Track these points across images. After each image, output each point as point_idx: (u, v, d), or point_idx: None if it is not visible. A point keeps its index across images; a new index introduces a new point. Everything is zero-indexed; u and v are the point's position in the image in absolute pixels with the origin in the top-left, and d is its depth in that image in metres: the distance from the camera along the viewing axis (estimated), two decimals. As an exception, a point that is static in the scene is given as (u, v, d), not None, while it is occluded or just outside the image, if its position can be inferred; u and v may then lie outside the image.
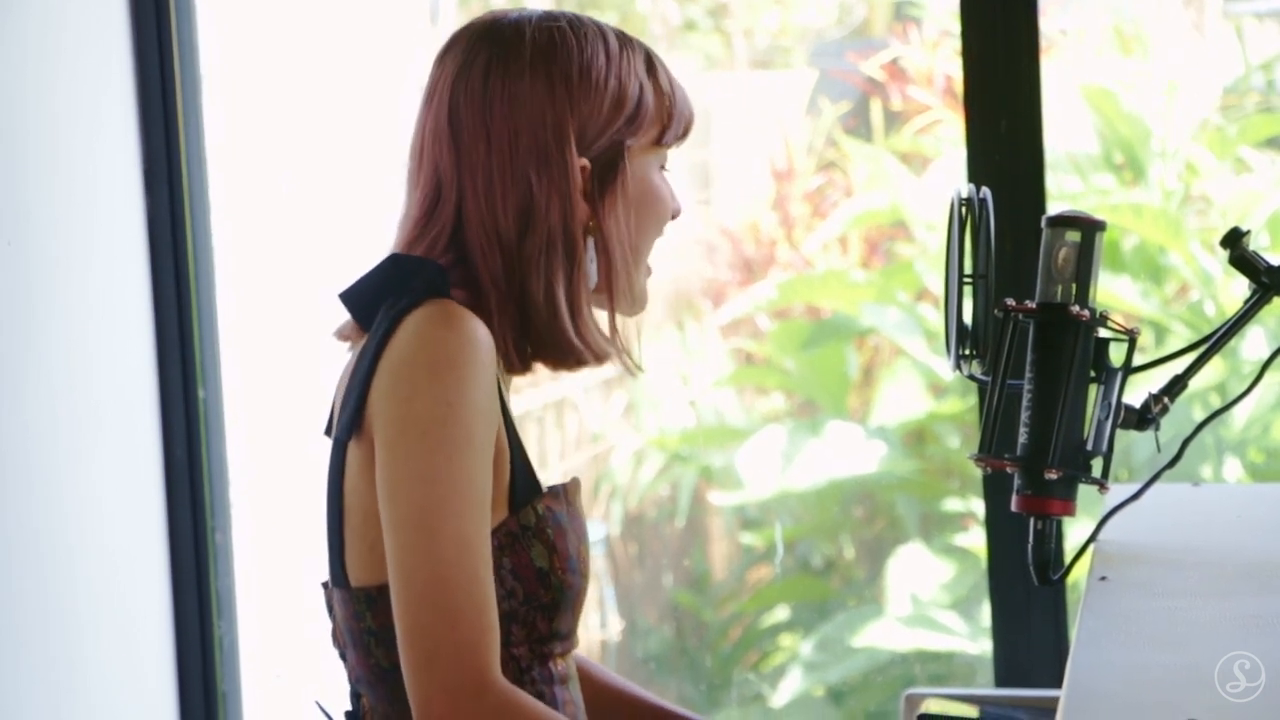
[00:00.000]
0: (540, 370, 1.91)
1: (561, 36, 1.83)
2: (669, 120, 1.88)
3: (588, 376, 4.54)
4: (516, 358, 1.83)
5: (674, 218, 1.91)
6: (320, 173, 3.59)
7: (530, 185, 1.80)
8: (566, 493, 1.84)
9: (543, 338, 1.83)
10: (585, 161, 1.83)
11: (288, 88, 3.55)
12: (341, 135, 3.65)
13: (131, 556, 3.11)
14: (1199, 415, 3.87)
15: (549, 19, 1.84)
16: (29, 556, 2.82)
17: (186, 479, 3.18)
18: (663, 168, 1.90)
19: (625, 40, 1.87)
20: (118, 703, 3.05)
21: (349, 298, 1.84)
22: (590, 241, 1.84)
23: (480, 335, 1.75)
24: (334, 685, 1.95)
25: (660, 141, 1.87)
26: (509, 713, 1.70)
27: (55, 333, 2.91)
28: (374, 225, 3.70)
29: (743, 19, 4.70)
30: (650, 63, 1.87)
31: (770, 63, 4.71)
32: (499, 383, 1.79)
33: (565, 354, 1.84)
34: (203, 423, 3.19)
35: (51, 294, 2.91)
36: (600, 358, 1.86)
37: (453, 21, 4.39)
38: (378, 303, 1.80)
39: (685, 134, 1.90)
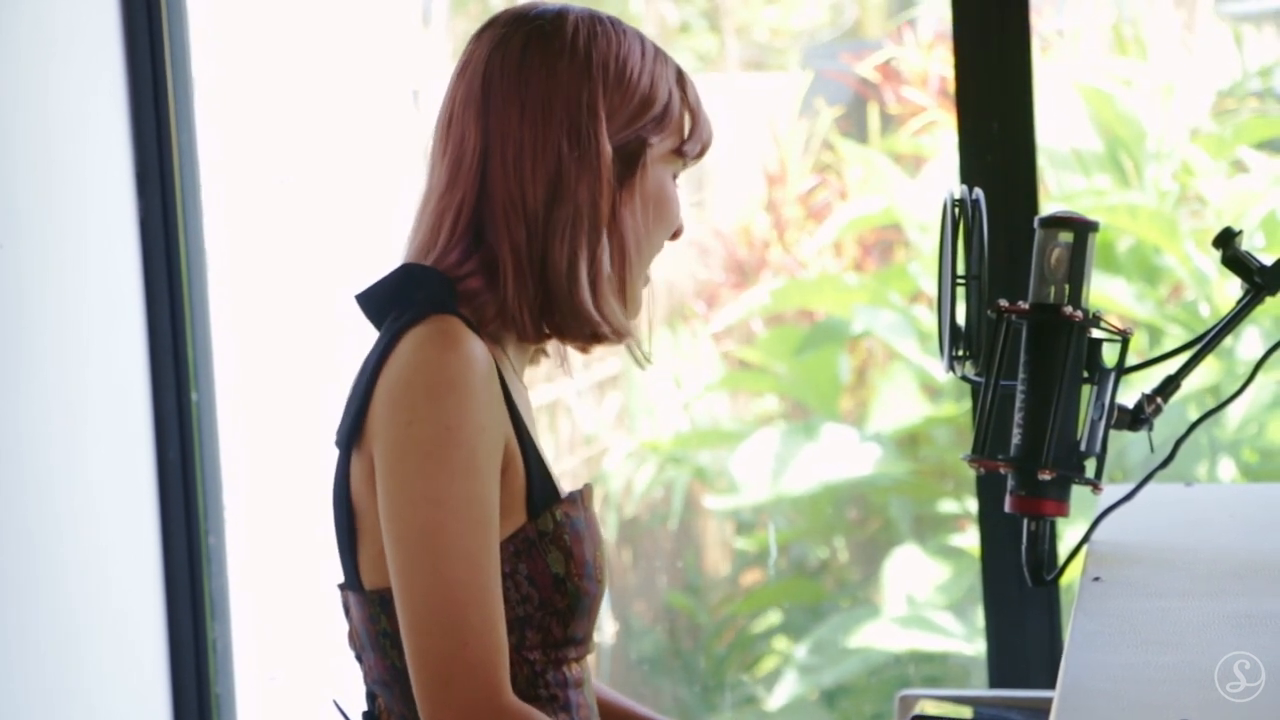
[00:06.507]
0: (532, 371, 1.91)
1: (602, 28, 1.87)
2: (691, 133, 1.90)
3: (581, 379, 4.53)
4: (532, 330, 1.83)
5: (674, 237, 1.93)
6: (313, 175, 3.58)
7: (561, 158, 1.82)
8: (582, 498, 1.85)
9: (562, 310, 1.83)
10: (609, 148, 1.84)
11: (280, 90, 3.54)
12: (334, 138, 3.65)
13: (125, 559, 3.10)
14: (1195, 416, 3.87)
15: (590, 13, 1.88)
16: (22, 560, 2.81)
17: (179, 482, 3.18)
18: (674, 178, 1.92)
19: (658, 49, 1.91)
20: (112, 705, 3.05)
21: (363, 300, 1.85)
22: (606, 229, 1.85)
23: (477, 354, 1.76)
24: (328, 688, 1.95)
25: (679, 151, 1.89)
26: None
27: (48, 336, 2.91)
28: (368, 228, 3.70)
29: (736, 19, 4.70)
30: (680, 75, 1.91)
31: (764, 64, 4.70)
32: (508, 393, 1.80)
33: (583, 325, 1.83)
34: (195, 426, 3.18)
35: (44, 297, 2.90)
36: (619, 334, 1.86)
37: (445, 24, 4.39)
38: (386, 311, 1.82)
39: (702, 153, 1.93)
